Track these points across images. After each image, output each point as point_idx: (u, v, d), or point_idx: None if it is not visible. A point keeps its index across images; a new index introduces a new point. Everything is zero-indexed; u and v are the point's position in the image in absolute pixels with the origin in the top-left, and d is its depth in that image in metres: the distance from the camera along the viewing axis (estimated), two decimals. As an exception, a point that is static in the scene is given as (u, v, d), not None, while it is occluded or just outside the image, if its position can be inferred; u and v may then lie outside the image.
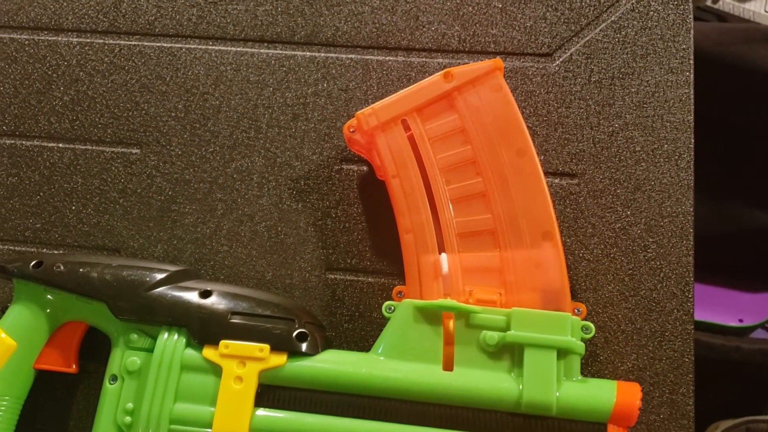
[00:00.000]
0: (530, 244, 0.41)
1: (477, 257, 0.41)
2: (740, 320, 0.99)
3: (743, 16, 0.89)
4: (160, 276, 0.41)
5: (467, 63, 0.47)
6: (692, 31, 0.47)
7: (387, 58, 0.49)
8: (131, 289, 0.41)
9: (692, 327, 0.42)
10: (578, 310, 0.40)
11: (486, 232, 0.42)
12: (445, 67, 0.47)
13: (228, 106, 0.49)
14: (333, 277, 0.46)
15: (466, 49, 0.48)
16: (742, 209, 0.87)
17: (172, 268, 0.42)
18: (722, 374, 0.91)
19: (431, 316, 0.40)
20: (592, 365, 0.42)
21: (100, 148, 0.49)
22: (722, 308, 0.96)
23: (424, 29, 0.49)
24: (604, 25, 0.47)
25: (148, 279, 0.41)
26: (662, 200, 0.44)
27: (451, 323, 0.40)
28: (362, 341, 0.44)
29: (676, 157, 0.45)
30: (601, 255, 0.44)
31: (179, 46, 0.50)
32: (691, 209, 0.44)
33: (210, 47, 0.50)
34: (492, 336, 0.39)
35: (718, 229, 0.87)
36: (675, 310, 0.42)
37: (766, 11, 0.88)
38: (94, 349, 0.44)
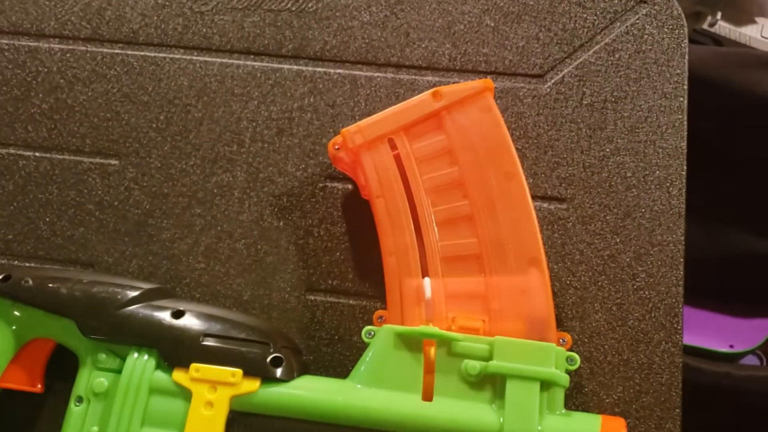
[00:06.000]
0: (516, 271, 0.39)
1: (461, 282, 0.40)
2: (731, 346, 0.98)
3: (739, 41, 0.89)
4: (132, 294, 0.40)
5: (457, 82, 0.46)
6: (687, 56, 0.46)
7: (376, 75, 0.48)
8: (101, 306, 0.39)
9: (680, 360, 0.41)
10: (563, 341, 0.39)
11: (471, 256, 0.40)
12: (434, 85, 0.46)
13: (211, 118, 0.48)
14: (313, 298, 0.44)
15: (457, 68, 0.47)
16: (734, 234, 0.86)
17: (146, 286, 0.40)
18: (711, 400, 0.90)
19: (412, 343, 0.38)
20: (577, 397, 0.41)
21: (78, 158, 0.48)
22: (713, 333, 0.95)
23: (415, 46, 0.48)
24: (597, 47, 0.46)
25: (119, 297, 0.39)
26: (652, 228, 0.43)
27: (432, 351, 0.38)
28: (341, 366, 0.43)
29: (668, 184, 0.44)
30: (589, 283, 0.43)
31: (163, 55, 0.49)
32: (682, 238, 0.43)
33: (195, 58, 0.49)
34: (474, 365, 0.37)
35: (710, 253, 0.86)
36: (663, 342, 0.41)
37: (762, 36, 0.88)
38: (63, 367, 0.42)
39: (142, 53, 0.49)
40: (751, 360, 1.00)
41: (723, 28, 0.89)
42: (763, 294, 0.93)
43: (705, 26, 0.89)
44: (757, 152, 0.81)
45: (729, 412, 0.93)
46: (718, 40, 0.89)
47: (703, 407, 0.86)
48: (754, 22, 0.89)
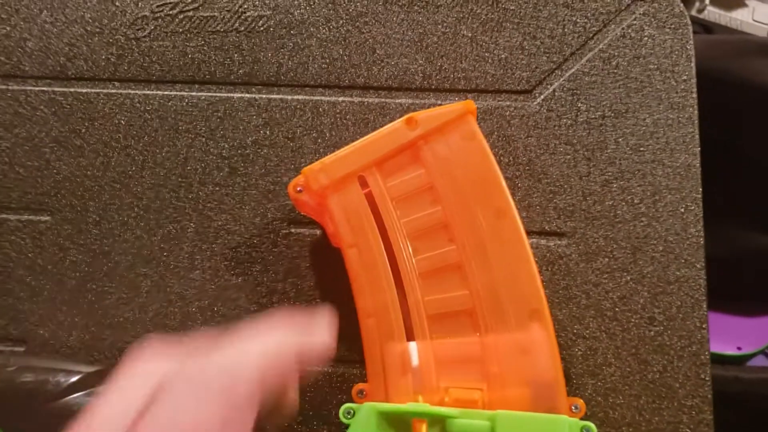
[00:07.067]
0: (516, 327, 0.34)
1: (453, 345, 0.34)
2: (738, 348, 0.93)
3: (730, 26, 0.83)
4: (68, 380, 0.34)
5: (434, 104, 0.40)
6: (693, 59, 0.40)
7: (340, 99, 0.42)
8: (28, 400, 0.33)
9: (711, 417, 0.35)
10: (576, 407, 0.33)
11: (463, 312, 0.35)
12: (408, 107, 0.41)
13: (153, 161, 0.41)
14: (282, 365, 0.38)
15: (432, 87, 0.41)
16: (739, 231, 0.82)
17: (86, 369, 0.34)
18: (720, 406, 0.85)
19: (399, 423, 0.33)
20: (595, 468, 0.35)
21: (4, 215, 0.41)
22: (719, 336, 0.90)
23: (383, 64, 0.42)
24: (590, 54, 0.41)
25: (51, 387, 0.33)
26: (668, 263, 0.37)
27: (424, 430, 0.33)
28: (318, 445, 0.37)
29: (682, 209, 0.38)
30: (599, 331, 0.37)
31: (96, 91, 0.43)
32: (702, 272, 0.37)
33: (132, 92, 0.43)
34: (473, 448, 0.32)
35: (713, 252, 0.81)
36: (690, 396, 0.36)
37: (754, 20, 0.82)
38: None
39: (71, 89, 0.43)
40: (759, 361, 0.95)
41: (712, 13, 0.83)
42: (768, 291, 0.89)
43: (693, 12, 0.83)
44: (759, 146, 0.76)
45: (738, 417, 0.89)
46: (708, 27, 0.83)
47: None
48: (744, 5, 0.83)
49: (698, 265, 0.37)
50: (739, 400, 0.86)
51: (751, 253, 0.82)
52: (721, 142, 0.75)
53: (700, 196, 0.38)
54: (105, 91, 0.43)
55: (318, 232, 0.40)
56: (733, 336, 0.93)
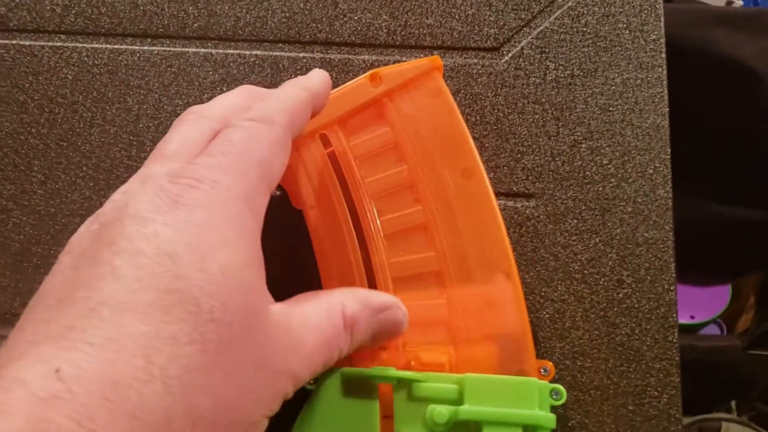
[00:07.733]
0: (482, 282, 0.33)
1: (419, 307, 0.33)
2: (692, 317, 0.95)
3: (690, -4, 0.84)
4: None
5: (399, 60, 0.39)
6: (662, 19, 0.40)
7: (301, 55, 0.40)
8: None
9: (679, 379, 0.35)
10: (545, 370, 0.32)
11: (429, 274, 0.34)
12: (371, 64, 0.39)
13: (103, 118, 0.39)
14: (241, 331, 0.37)
15: (397, 43, 0.40)
16: (693, 201, 0.82)
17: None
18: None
19: (364, 388, 0.32)
20: (562, 431, 0.35)
21: (-60, 175, 0.39)
22: (673, 306, 0.91)
23: (345, 19, 0.40)
24: (559, 12, 0.40)
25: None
26: (636, 224, 0.37)
27: (391, 395, 0.32)
28: (281, 415, 0.36)
29: (651, 170, 0.37)
30: (567, 293, 0.36)
31: (41, 44, 0.40)
32: (671, 234, 0.37)
33: (80, 45, 0.40)
34: (441, 412, 0.31)
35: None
36: (658, 359, 0.35)
37: (713, -10, 0.82)
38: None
39: (14, 42, 0.40)
40: (711, 329, 0.97)
41: (672, -17, 0.83)
42: (721, 261, 0.90)
43: (653, -18, 0.83)
44: (711, 113, 0.76)
45: (691, 384, 0.90)
46: (668, -3, 0.83)
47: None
48: (704, -25, 0.84)
49: (667, 227, 0.37)
50: (692, 368, 0.87)
51: (703, 223, 0.83)
52: (677, 110, 0.75)
53: (668, 156, 0.38)
54: (50, 43, 0.40)
55: (279, 192, 0.38)
56: (686, 306, 0.94)
